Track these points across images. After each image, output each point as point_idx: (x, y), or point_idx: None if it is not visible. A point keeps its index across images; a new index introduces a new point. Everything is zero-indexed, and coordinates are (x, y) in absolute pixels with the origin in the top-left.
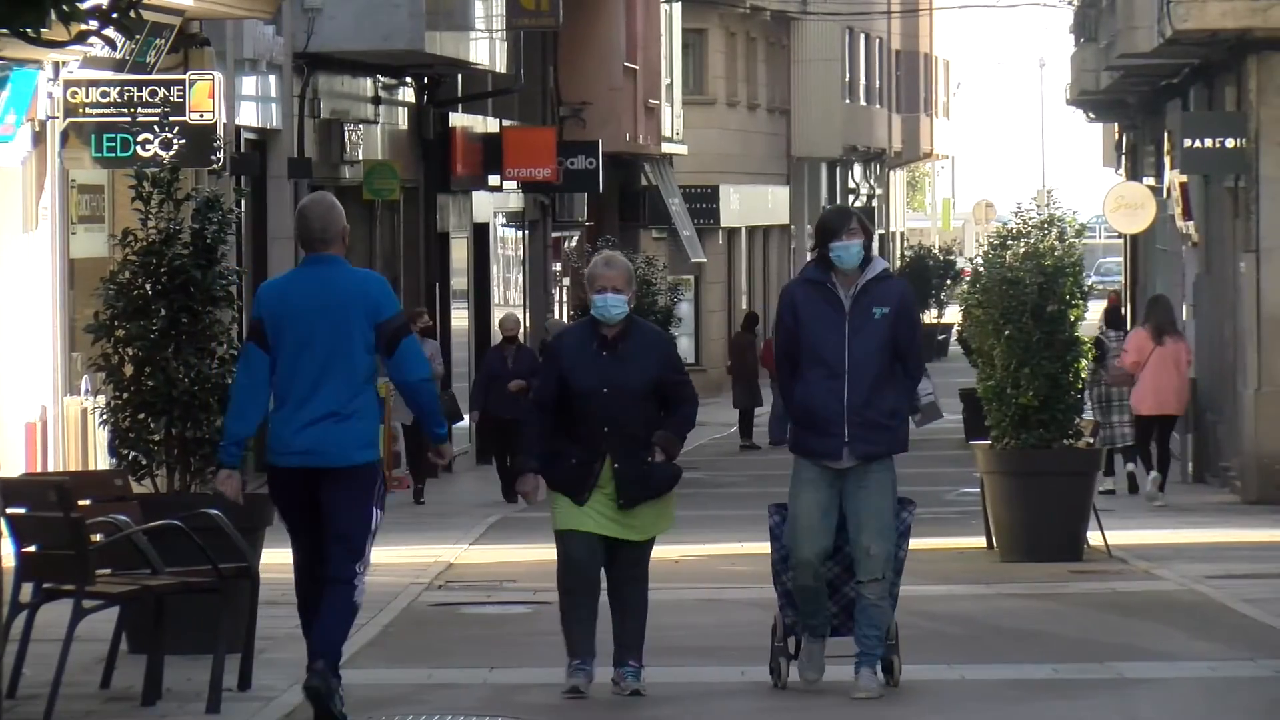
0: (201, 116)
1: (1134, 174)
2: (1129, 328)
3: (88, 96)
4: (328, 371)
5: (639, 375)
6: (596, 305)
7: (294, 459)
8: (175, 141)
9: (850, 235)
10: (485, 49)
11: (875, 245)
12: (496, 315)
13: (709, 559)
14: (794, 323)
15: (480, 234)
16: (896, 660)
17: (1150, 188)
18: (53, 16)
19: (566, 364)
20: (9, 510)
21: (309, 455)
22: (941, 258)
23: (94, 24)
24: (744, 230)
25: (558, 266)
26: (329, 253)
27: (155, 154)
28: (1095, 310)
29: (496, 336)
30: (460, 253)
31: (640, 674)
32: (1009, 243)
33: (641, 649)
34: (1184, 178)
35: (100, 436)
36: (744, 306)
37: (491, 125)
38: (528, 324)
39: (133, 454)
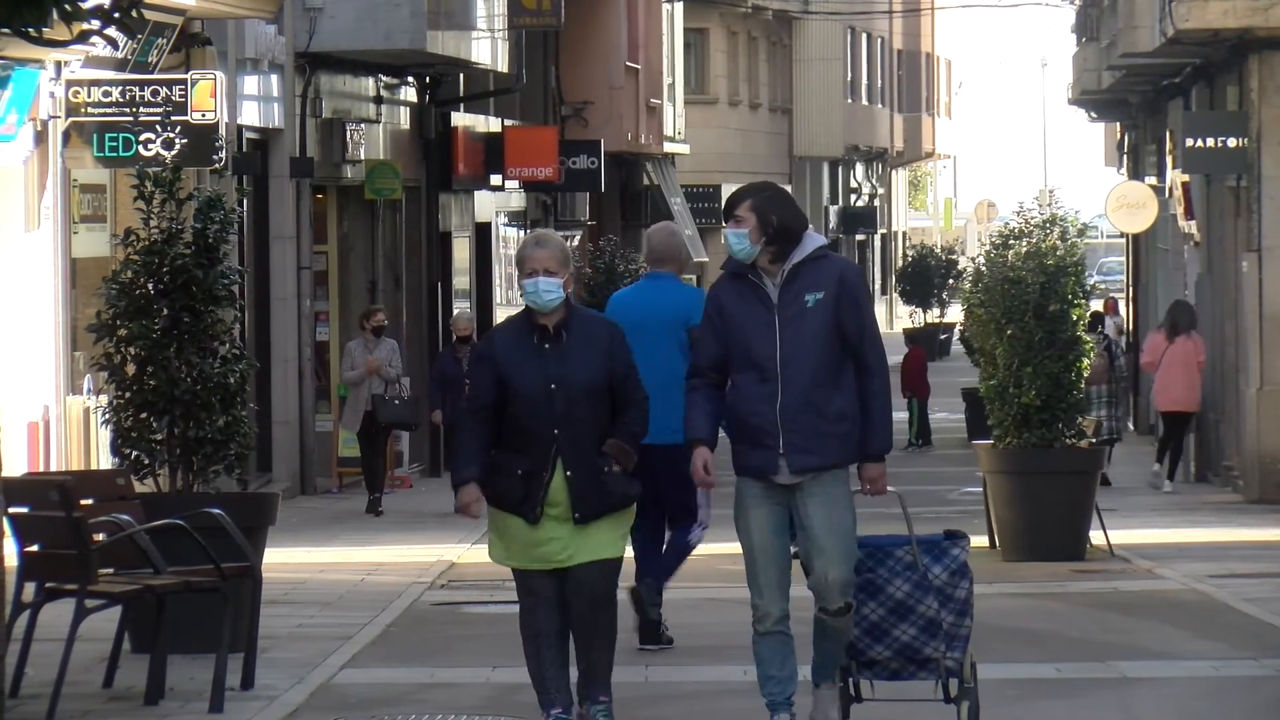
0: (203, 116)
1: (1136, 173)
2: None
3: (90, 96)
4: (655, 366)
5: (588, 369)
6: (526, 291)
7: (657, 435)
8: (177, 141)
9: (737, 223)
10: (487, 48)
11: (879, 236)
12: (499, 315)
13: (710, 558)
14: (721, 322)
15: (482, 233)
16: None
17: (1152, 187)
18: (54, 16)
19: (504, 362)
20: (11, 510)
21: (666, 432)
22: (943, 257)
23: (96, 23)
24: None
25: None
26: (665, 270)
27: (157, 153)
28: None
29: None
30: (462, 252)
31: (610, 710)
32: (1011, 242)
33: (610, 681)
34: (1186, 177)
35: (102, 436)
36: None
37: (493, 125)
38: None
39: (135, 453)
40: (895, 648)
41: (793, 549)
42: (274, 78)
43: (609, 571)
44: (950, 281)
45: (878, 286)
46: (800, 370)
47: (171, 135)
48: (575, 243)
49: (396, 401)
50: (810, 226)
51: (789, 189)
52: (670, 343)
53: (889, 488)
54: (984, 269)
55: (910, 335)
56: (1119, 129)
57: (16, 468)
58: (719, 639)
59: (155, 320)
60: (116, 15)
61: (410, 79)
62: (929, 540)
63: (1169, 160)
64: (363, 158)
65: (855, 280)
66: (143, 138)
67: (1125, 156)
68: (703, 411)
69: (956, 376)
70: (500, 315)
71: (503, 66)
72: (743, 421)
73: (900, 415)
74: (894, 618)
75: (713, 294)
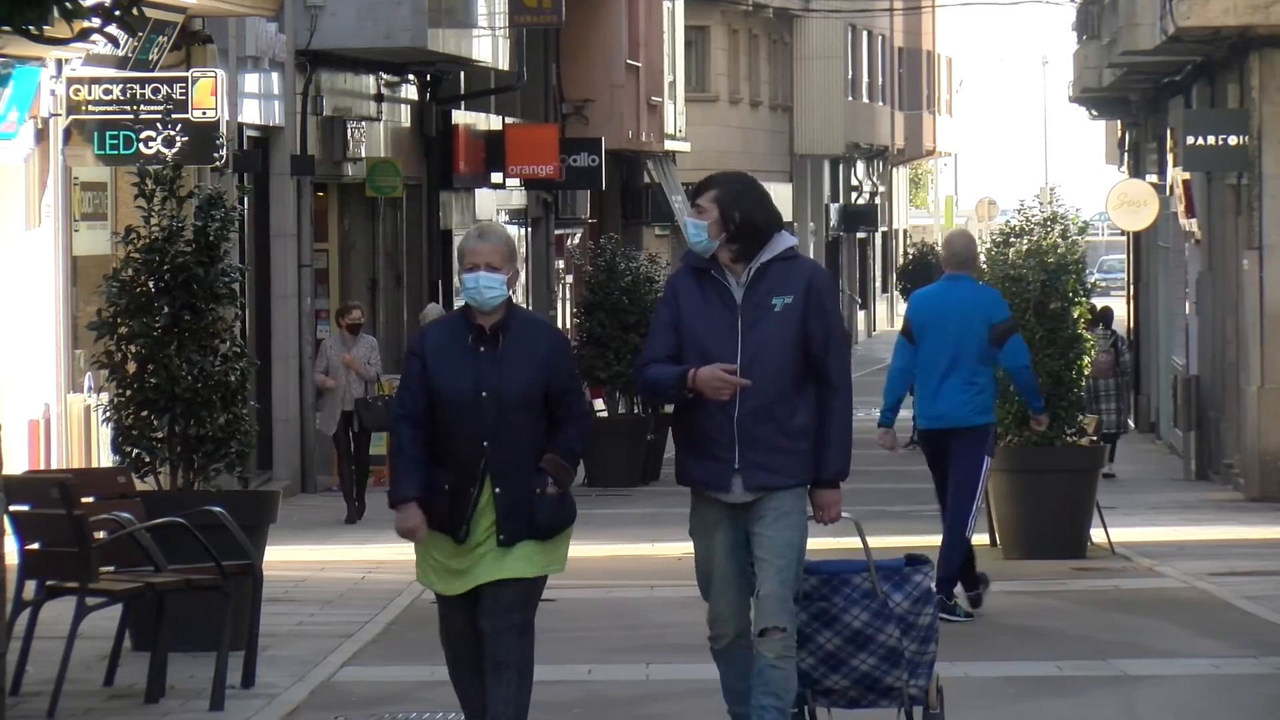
0: (204, 114)
1: (1136, 171)
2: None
3: (90, 94)
4: (956, 359)
5: (523, 377)
6: (466, 287)
7: (933, 422)
8: (178, 139)
9: (698, 213)
10: (488, 46)
11: (879, 234)
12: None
13: None
14: (677, 316)
15: None
16: None
17: (1153, 185)
18: (55, 14)
19: (432, 363)
20: (12, 508)
21: (942, 419)
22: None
23: (97, 21)
24: None
25: (560, 264)
26: (963, 272)
27: (158, 151)
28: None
29: None
30: None
31: None
32: (1012, 240)
33: None
34: (1186, 175)
35: (103, 434)
36: None
37: (494, 122)
38: None
39: (136, 451)
40: (854, 677)
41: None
42: (275, 75)
43: (524, 593)
44: None
45: (879, 284)
46: (763, 379)
47: (172, 133)
48: (576, 240)
49: (380, 404)
50: (782, 226)
51: (790, 187)
52: (969, 337)
53: (844, 514)
54: (985, 267)
55: None
56: (1120, 127)
57: (17, 465)
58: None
59: (156, 318)
60: (117, 13)
61: (411, 77)
62: (889, 566)
63: (1170, 158)
64: (364, 155)
65: (825, 286)
66: (143, 135)
67: (1126, 154)
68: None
69: None
70: None
71: (504, 64)
72: (693, 429)
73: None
74: (851, 647)
75: (671, 284)
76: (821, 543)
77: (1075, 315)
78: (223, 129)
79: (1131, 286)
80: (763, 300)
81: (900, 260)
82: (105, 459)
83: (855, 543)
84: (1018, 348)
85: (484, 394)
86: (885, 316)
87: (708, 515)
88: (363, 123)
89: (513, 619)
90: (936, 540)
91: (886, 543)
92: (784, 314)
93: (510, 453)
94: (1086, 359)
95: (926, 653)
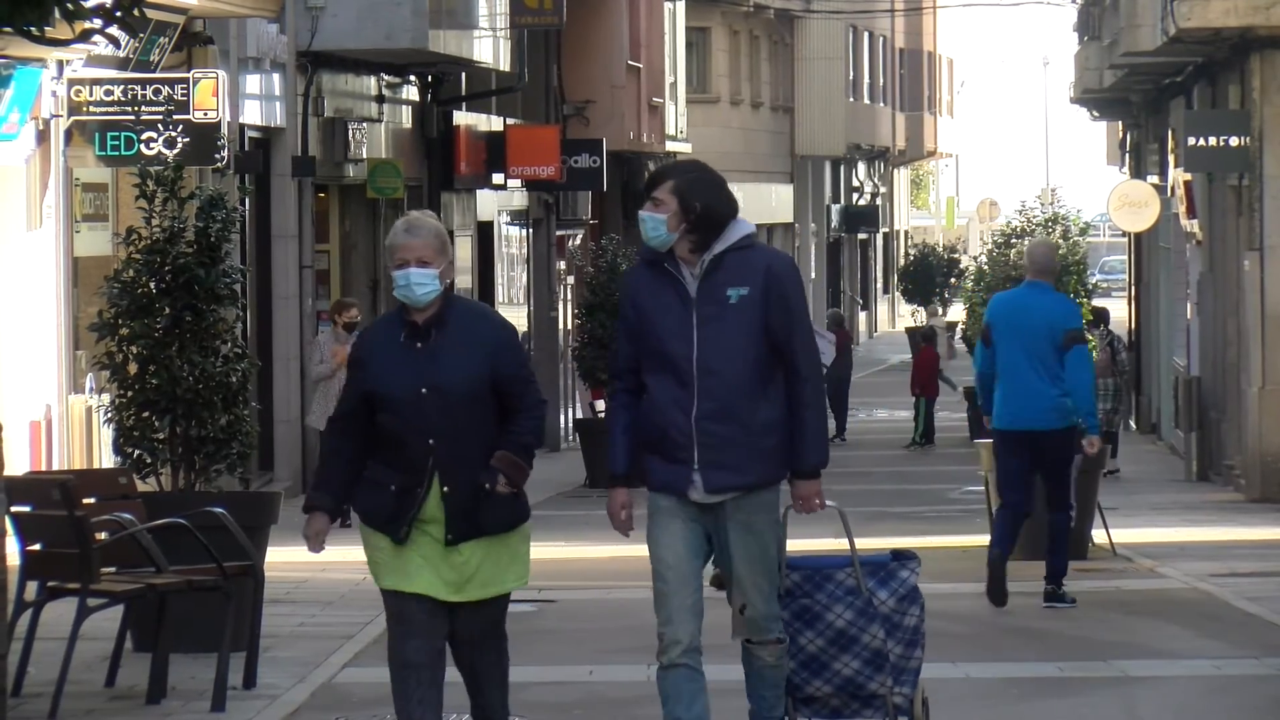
0: (205, 115)
1: (1138, 172)
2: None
3: (91, 95)
4: (1037, 363)
5: (466, 370)
6: (398, 284)
7: (1015, 424)
8: (179, 140)
9: (655, 205)
10: (488, 47)
11: (880, 235)
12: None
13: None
14: (634, 316)
15: (484, 232)
16: None
17: (1154, 186)
18: (57, 15)
19: (369, 364)
20: (13, 509)
21: (1026, 421)
22: (945, 256)
23: (98, 22)
24: None
25: (562, 265)
26: (1043, 280)
27: (159, 152)
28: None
29: None
30: (464, 251)
31: None
32: (1013, 241)
33: (507, 706)
34: (1188, 176)
35: (104, 435)
36: None
37: (495, 124)
38: (532, 324)
39: (137, 452)
40: (836, 682)
41: (711, 571)
42: (276, 77)
43: (497, 611)
44: (952, 280)
45: (880, 286)
46: (721, 375)
47: (173, 134)
48: (577, 241)
49: None
50: (739, 213)
51: (791, 188)
52: (1046, 343)
53: (828, 502)
54: (986, 267)
55: (924, 334)
56: (1121, 128)
57: (19, 466)
58: (721, 637)
59: (157, 319)
60: (118, 14)
61: (412, 78)
62: (874, 561)
63: (1171, 159)
64: (365, 157)
65: (785, 273)
66: (145, 137)
67: (1127, 155)
68: (620, 439)
69: (959, 375)
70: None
71: (505, 65)
72: (653, 430)
73: (905, 414)
74: (834, 649)
75: (626, 284)
76: (805, 544)
77: None
78: (224, 130)
79: (1133, 287)
80: (718, 293)
81: (901, 261)
82: (106, 460)
83: (841, 543)
84: (1081, 359)
85: (424, 390)
86: (886, 318)
87: (665, 516)
88: (364, 124)
89: (492, 634)
90: (938, 541)
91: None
92: (741, 306)
93: (458, 449)
94: None
95: (912, 658)
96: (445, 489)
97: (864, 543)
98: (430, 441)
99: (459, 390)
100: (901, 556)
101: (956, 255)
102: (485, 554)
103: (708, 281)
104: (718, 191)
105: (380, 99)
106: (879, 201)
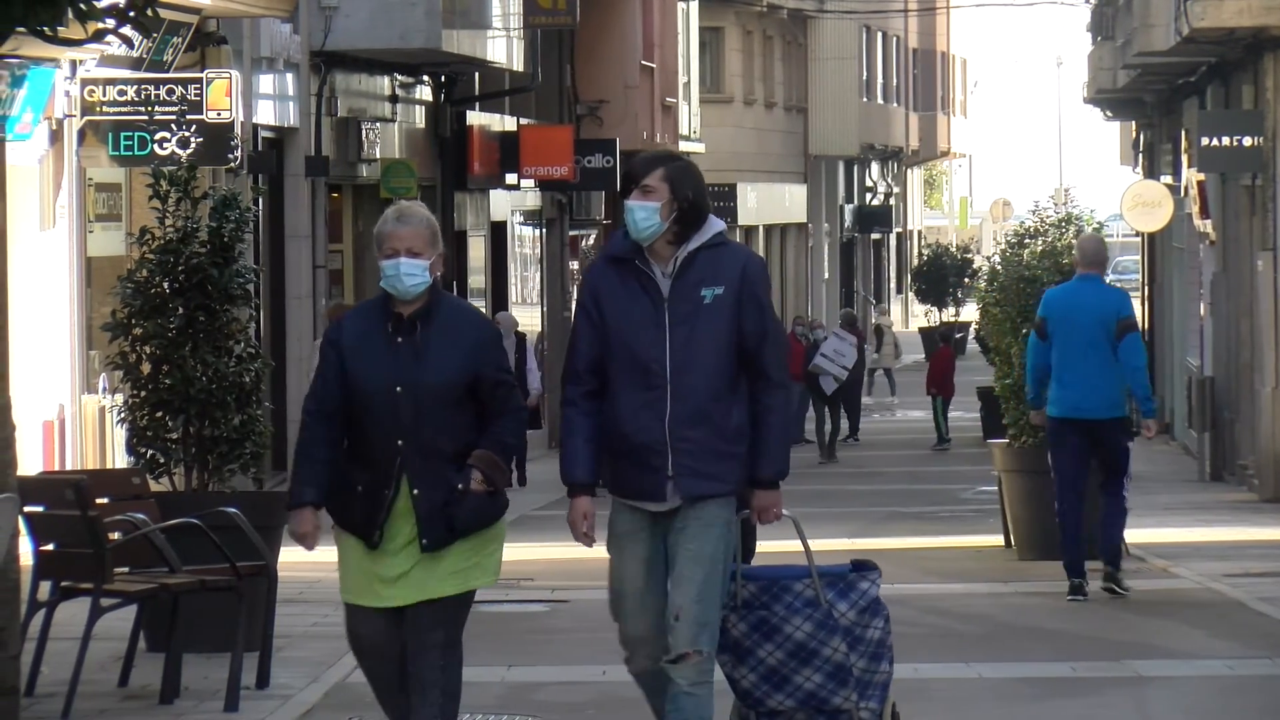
0: (218, 115)
1: (1151, 172)
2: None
3: (105, 95)
4: (1092, 353)
5: (444, 370)
6: (386, 274)
7: (1072, 412)
8: (192, 140)
9: (645, 194)
10: (502, 47)
11: (894, 235)
12: (516, 314)
13: None
14: (599, 316)
15: (497, 232)
16: None
17: (1167, 186)
18: (70, 15)
19: (349, 354)
20: (27, 508)
21: (1082, 410)
22: (959, 256)
23: (111, 22)
24: (761, 228)
25: (575, 265)
26: (1093, 272)
27: (172, 152)
28: None
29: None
30: (478, 251)
31: None
32: (1026, 241)
33: None
34: (1201, 176)
35: (118, 435)
36: None
37: (508, 123)
38: (545, 324)
39: (150, 452)
40: (799, 697)
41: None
42: (289, 76)
43: (448, 610)
44: (965, 280)
45: (893, 286)
46: (695, 378)
47: (187, 134)
48: (590, 241)
49: None
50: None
51: (804, 188)
52: (1100, 334)
53: (784, 512)
54: (999, 268)
55: (941, 334)
56: (1134, 128)
57: (32, 466)
58: None
59: (170, 319)
60: (132, 14)
61: (425, 78)
62: (833, 572)
63: (1184, 159)
64: (378, 156)
65: (759, 275)
66: (158, 136)
67: (1140, 155)
68: (582, 446)
69: (971, 375)
70: (516, 315)
71: (518, 65)
72: (623, 437)
73: (921, 414)
74: (794, 662)
75: (589, 282)
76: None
77: None
78: (237, 130)
79: (1146, 288)
80: (691, 292)
81: (915, 261)
82: (120, 460)
83: (851, 544)
84: (1135, 346)
85: (399, 388)
86: (900, 318)
87: (628, 525)
88: (377, 124)
89: (436, 638)
90: (951, 541)
91: (902, 544)
92: (715, 307)
93: (429, 452)
94: None
95: (878, 672)
96: (415, 492)
97: (876, 542)
98: (399, 442)
99: (436, 390)
100: (862, 567)
101: (970, 255)
102: (458, 553)
103: (681, 280)
104: (701, 183)
105: (394, 99)
106: (892, 202)
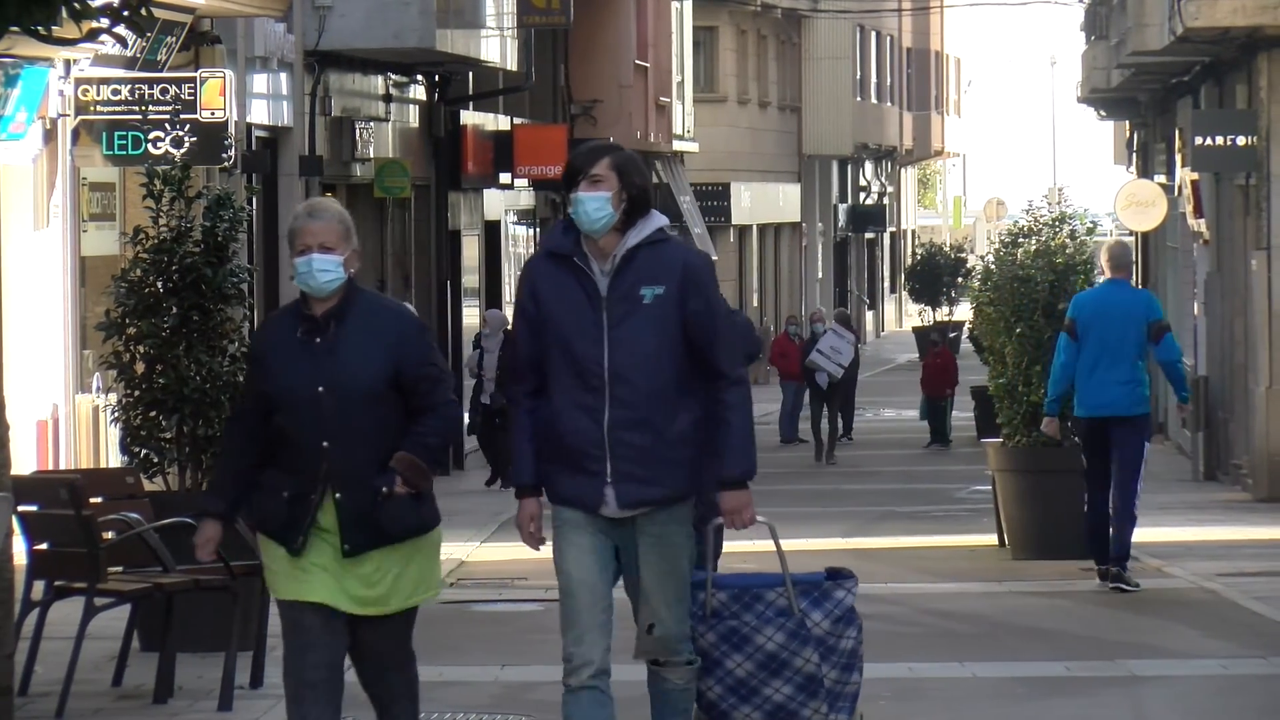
0: (212, 114)
1: (1145, 171)
2: None
3: (99, 94)
4: (1118, 355)
5: (366, 368)
6: (298, 271)
7: (1095, 410)
8: (186, 139)
9: (594, 184)
10: (496, 47)
11: (888, 235)
12: (509, 313)
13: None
14: (536, 312)
15: (491, 232)
16: None
17: (1161, 185)
18: (64, 14)
19: (265, 359)
20: (21, 508)
21: (1102, 408)
22: (952, 256)
23: (105, 22)
24: (755, 228)
25: None
26: (1120, 276)
27: (166, 152)
28: None
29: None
30: (471, 250)
31: None
32: (1020, 240)
33: None
34: (1195, 175)
35: (112, 434)
36: (755, 304)
37: (502, 123)
38: None
39: (144, 451)
40: (767, 709)
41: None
42: (283, 76)
43: (405, 625)
44: (959, 280)
45: (887, 285)
46: (635, 382)
47: (181, 133)
48: None
49: None
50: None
51: (798, 187)
52: (1130, 336)
53: (758, 517)
54: (993, 267)
55: (941, 334)
56: (1128, 127)
57: (26, 466)
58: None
59: (164, 318)
60: (126, 13)
61: (419, 77)
62: (808, 580)
63: (1178, 158)
64: (372, 156)
65: (701, 269)
66: (152, 136)
67: (1134, 155)
68: (528, 448)
69: (966, 375)
70: (510, 314)
71: (512, 65)
72: (559, 440)
73: (912, 414)
74: (764, 673)
75: (527, 277)
76: (738, 545)
77: None
78: (231, 129)
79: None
80: (630, 291)
81: (908, 261)
82: (114, 459)
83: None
84: (1172, 344)
85: (320, 389)
86: (893, 317)
87: (571, 529)
88: (371, 123)
89: (399, 655)
90: (939, 540)
91: (896, 543)
92: (656, 306)
93: (353, 454)
94: None
95: (849, 683)
96: (338, 496)
97: (870, 542)
98: (324, 445)
99: (358, 390)
100: (837, 575)
101: (963, 255)
102: (396, 566)
103: (619, 279)
104: (646, 171)
105: (388, 98)
106: (886, 201)
